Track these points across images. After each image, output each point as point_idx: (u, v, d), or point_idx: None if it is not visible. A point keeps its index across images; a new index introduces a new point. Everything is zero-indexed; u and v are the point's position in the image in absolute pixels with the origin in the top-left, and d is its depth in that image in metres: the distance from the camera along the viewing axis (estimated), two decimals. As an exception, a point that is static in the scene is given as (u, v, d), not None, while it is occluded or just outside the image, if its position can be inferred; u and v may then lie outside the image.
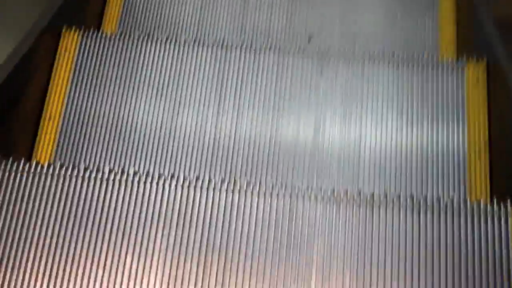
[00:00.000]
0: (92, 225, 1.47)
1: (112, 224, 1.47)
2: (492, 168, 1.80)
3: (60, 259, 1.43)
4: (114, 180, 1.53)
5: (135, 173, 1.55)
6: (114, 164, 1.78)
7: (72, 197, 1.51)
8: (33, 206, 1.49)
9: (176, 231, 1.46)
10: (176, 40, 2.10)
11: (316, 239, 1.46)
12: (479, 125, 1.92)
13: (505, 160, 1.76)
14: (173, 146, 1.84)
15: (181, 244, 1.45)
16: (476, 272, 1.41)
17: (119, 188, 1.52)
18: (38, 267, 1.42)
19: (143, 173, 1.54)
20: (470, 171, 1.80)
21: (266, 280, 1.41)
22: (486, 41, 2.05)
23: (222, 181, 1.53)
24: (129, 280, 1.42)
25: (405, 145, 1.87)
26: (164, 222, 1.49)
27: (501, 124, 1.86)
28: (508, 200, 1.47)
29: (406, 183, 1.76)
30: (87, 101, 1.96)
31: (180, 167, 1.78)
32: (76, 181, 1.53)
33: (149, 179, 1.53)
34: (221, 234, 1.46)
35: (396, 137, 1.89)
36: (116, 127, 1.90)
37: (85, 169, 1.54)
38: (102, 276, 1.42)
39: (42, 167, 1.55)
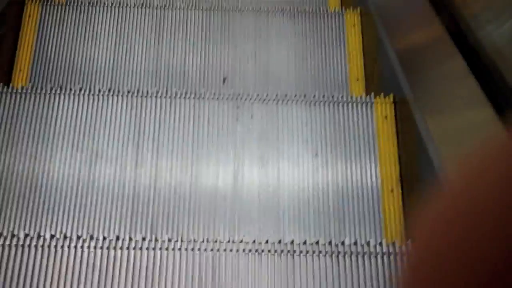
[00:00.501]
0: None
1: (31, 292, 1.44)
2: (404, 206, 1.88)
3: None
4: (30, 245, 1.50)
5: (52, 237, 1.51)
6: (30, 227, 1.73)
7: (-14, 266, 1.46)
8: None
9: (98, 294, 1.44)
10: (90, 90, 2.08)
11: (240, 291, 1.48)
12: (391, 162, 2.00)
13: (416, 197, 1.84)
14: (91, 201, 1.81)
15: (103, 307, 1.43)
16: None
17: (35, 253, 1.49)
18: None
19: (60, 235, 1.51)
20: (384, 210, 1.87)
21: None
22: (392, 77, 2.15)
23: (143, 239, 1.53)
24: None
25: (321, 186, 1.92)
26: (85, 285, 1.47)
27: (410, 160, 1.95)
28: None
29: (325, 227, 1.80)
30: (-1, 159, 1.91)
31: (100, 224, 1.76)
32: (-10, 250, 1.48)
33: (67, 242, 1.50)
34: (145, 294, 1.45)
35: (312, 179, 1.94)
36: (31, 185, 1.85)
37: (-1, 236, 1.50)
38: None
39: None
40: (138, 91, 2.09)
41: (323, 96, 2.13)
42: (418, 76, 2.02)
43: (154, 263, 1.49)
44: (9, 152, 1.89)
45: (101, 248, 1.50)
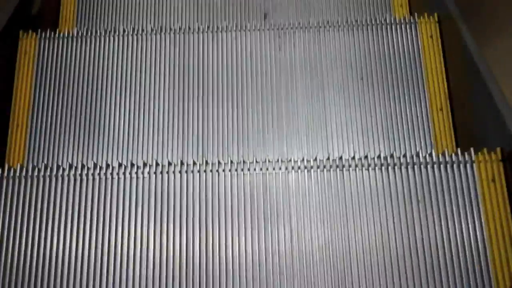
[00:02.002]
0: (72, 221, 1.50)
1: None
2: (455, 123, 1.85)
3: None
4: (87, 175, 1.56)
5: (108, 166, 1.57)
6: (87, 160, 1.80)
7: (48, 197, 1.53)
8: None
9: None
10: (134, 30, 2.11)
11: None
12: (438, 80, 1.97)
13: (465, 113, 1.81)
14: (143, 136, 1.87)
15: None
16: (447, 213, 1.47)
17: (93, 184, 1.55)
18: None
19: (116, 164, 1.57)
20: (434, 128, 1.85)
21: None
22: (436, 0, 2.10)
23: (194, 163, 1.56)
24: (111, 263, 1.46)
25: (368, 108, 1.92)
26: (142, 208, 1.52)
27: (457, 78, 1.92)
28: (472, 149, 1.52)
29: (374, 145, 1.81)
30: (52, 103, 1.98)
31: (153, 152, 1.83)
32: (50, 181, 1.55)
33: (122, 170, 1.55)
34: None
35: (359, 101, 1.94)
36: (86, 118, 1.92)
37: (58, 168, 1.56)
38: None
39: (15, 170, 1.56)
40: (180, 28, 2.11)
41: (366, 20, 2.10)
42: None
43: (206, 186, 1.53)
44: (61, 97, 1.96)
45: (155, 173, 1.55)
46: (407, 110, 1.94)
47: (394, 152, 1.52)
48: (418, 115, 1.93)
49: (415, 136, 1.86)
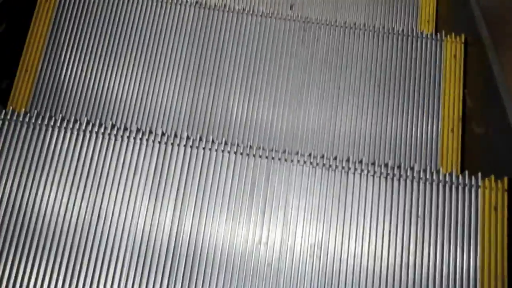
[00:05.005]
0: (68, 175, 1.47)
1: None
2: (464, 146, 1.84)
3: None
4: (91, 132, 1.53)
5: (113, 126, 1.54)
6: (92, 116, 1.78)
7: (48, 147, 1.50)
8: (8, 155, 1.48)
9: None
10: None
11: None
12: (455, 101, 1.95)
13: (477, 138, 1.79)
14: (150, 105, 1.84)
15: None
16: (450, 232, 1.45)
17: (95, 140, 1.52)
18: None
19: (121, 126, 1.54)
20: (442, 148, 1.84)
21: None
22: (467, 19, 2.08)
23: (200, 138, 1.54)
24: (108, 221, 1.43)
25: (380, 117, 1.90)
26: (140, 176, 1.50)
27: (475, 102, 1.90)
28: (479, 174, 1.50)
29: (380, 153, 1.79)
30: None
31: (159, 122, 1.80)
32: (52, 131, 1.52)
33: (127, 133, 1.53)
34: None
35: (372, 109, 1.92)
36: (98, 90, 1.89)
37: (62, 120, 1.53)
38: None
39: (19, 115, 1.53)
40: (205, 3, 2.08)
41: (393, 29, 2.08)
42: (496, 17, 1.95)
43: (208, 164, 1.50)
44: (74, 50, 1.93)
45: (159, 143, 1.52)
46: (418, 125, 1.92)
47: (402, 164, 1.50)
48: (429, 131, 1.91)
49: (421, 152, 1.84)
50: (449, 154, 1.87)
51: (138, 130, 1.53)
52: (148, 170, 1.50)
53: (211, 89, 1.92)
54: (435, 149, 1.88)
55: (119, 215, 1.46)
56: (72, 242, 1.43)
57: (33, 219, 1.44)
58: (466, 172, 1.50)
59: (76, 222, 1.44)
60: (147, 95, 1.93)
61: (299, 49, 2.04)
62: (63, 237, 1.43)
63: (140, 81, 1.95)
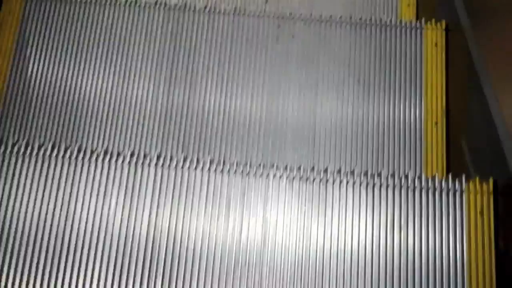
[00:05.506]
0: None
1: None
2: (448, 139, 1.78)
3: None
4: (57, 156, 1.47)
5: (79, 150, 1.48)
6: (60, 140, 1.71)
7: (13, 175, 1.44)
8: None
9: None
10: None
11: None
12: (437, 93, 1.88)
13: (461, 132, 1.74)
14: (122, 118, 1.78)
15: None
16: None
17: (62, 165, 1.46)
18: None
19: (87, 150, 1.48)
20: (426, 143, 1.77)
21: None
22: (447, 4, 2.00)
23: (171, 158, 1.48)
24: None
25: (361, 114, 1.83)
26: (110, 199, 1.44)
27: (457, 93, 1.84)
28: (463, 176, 1.44)
29: (362, 157, 1.73)
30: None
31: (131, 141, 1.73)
32: (16, 160, 1.46)
33: (94, 156, 1.47)
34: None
35: (353, 106, 1.85)
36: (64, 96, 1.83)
37: (26, 146, 1.47)
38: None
39: None
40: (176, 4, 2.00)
41: (371, 19, 2.00)
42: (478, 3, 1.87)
43: (181, 182, 1.45)
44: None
45: (129, 164, 1.46)
46: (401, 120, 1.86)
47: (382, 170, 1.44)
48: (412, 125, 1.85)
49: (405, 151, 1.78)
50: (434, 149, 1.81)
51: (105, 153, 1.47)
52: (118, 193, 1.44)
53: (184, 97, 1.86)
54: (419, 144, 1.82)
55: (91, 234, 1.40)
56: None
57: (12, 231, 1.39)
58: (450, 177, 1.44)
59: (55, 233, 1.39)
60: (119, 103, 1.87)
61: (275, 46, 1.97)
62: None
63: (112, 89, 1.89)
